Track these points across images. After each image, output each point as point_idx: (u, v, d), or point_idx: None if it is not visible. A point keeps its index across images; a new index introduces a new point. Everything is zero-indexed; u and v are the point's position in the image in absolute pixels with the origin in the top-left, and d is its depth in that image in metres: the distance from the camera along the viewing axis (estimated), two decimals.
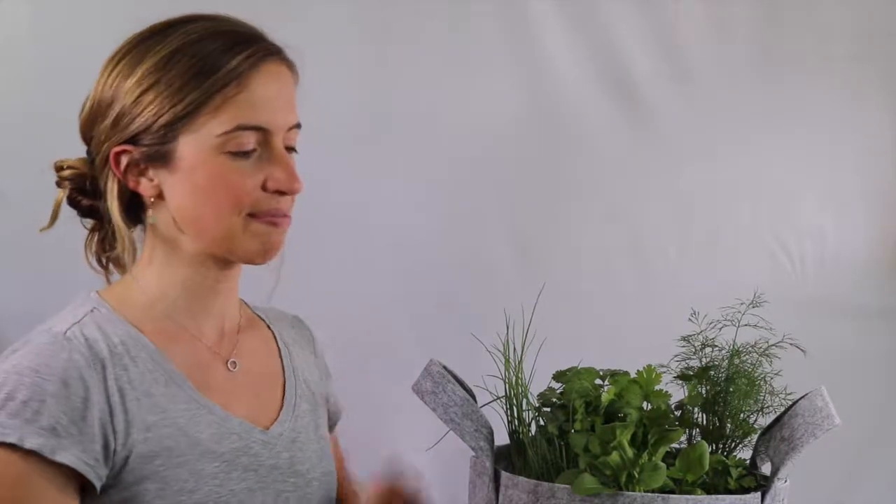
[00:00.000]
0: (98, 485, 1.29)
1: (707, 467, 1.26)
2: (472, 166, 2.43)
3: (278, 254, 1.42)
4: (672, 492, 1.29)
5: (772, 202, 2.55)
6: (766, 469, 1.43)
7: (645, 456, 1.26)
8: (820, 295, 2.49)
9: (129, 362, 1.36)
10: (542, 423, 1.39)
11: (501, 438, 1.42)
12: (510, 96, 2.44)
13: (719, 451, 1.41)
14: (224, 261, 1.43)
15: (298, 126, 1.42)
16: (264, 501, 1.43)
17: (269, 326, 1.59)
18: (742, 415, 1.39)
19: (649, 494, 1.25)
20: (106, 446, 1.30)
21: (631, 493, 1.26)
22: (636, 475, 1.24)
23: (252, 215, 1.38)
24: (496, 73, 2.43)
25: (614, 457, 1.26)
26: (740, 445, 1.42)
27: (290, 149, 1.41)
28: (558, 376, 1.44)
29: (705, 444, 1.27)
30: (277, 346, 1.58)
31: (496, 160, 2.45)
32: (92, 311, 1.39)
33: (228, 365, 1.49)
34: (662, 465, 1.25)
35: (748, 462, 1.43)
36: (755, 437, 1.41)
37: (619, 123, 2.51)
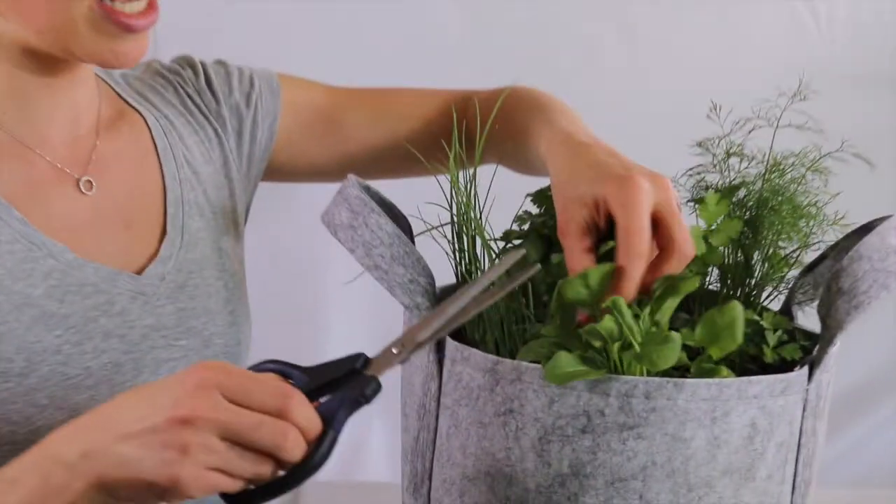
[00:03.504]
0: None
1: (741, 340, 0.88)
2: None
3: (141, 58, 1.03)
4: (686, 370, 0.91)
5: None
6: (802, 317, 1.06)
7: (646, 317, 0.88)
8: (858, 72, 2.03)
9: None
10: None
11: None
12: None
13: (740, 300, 1.03)
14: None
15: None
16: (138, 378, 1.06)
17: (140, 113, 1.16)
18: (780, 252, 1.00)
19: (655, 379, 0.88)
20: None
21: (629, 377, 0.88)
22: (636, 348, 0.86)
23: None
24: None
25: (607, 322, 0.88)
26: (771, 293, 1.04)
27: None
28: (537, 197, 1.04)
29: (739, 307, 0.88)
30: (153, 139, 1.16)
31: None
32: None
33: (81, 186, 1.08)
34: (675, 336, 0.86)
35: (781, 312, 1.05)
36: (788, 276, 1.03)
37: None
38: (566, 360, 0.87)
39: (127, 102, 1.16)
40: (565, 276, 0.93)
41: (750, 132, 1.02)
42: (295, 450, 0.81)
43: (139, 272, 1.08)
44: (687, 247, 0.91)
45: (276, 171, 1.27)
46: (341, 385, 0.84)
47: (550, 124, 1.06)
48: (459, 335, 1.01)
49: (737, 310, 0.87)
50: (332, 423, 0.83)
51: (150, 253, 1.11)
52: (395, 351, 0.86)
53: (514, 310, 1.00)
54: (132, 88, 1.18)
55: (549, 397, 0.90)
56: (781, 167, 0.99)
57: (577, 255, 0.93)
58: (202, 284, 1.13)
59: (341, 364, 0.85)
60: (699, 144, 1.03)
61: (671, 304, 0.89)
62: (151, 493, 0.81)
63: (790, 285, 1.04)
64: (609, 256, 0.92)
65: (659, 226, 0.91)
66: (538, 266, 0.90)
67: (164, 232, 1.12)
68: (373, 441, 2.02)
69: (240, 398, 0.81)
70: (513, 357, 0.94)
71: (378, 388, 0.84)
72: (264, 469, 0.82)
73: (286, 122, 1.25)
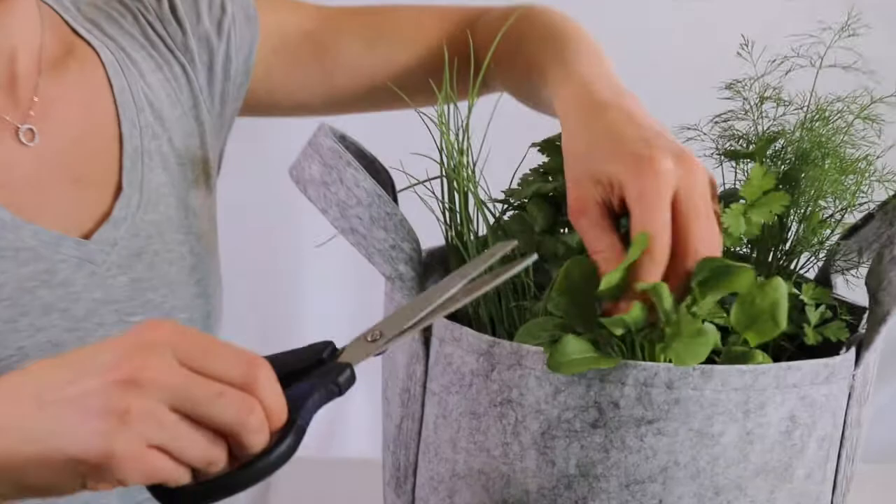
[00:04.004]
0: None
1: (785, 325, 0.75)
2: None
3: None
4: (715, 354, 0.78)
5: None
6: (842, 286, 0.92)
7: (683, 310, 0.74)
8: None
9: None
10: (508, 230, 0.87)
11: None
12: None
13: (772, 267, 0.89)
14: None
15: None
16: None
17: (93, 47, 1.01)
18: (821, 212, 0.86)
19: (679, 368, 0.74)
20: None
21: (648, 363, 0.75)
22: (667, 336, 0.73)
23: None
24: None
25: (635, 311, 0.74)
26: (809, 259, 0.90)
27: None
28: (546, 147, 0.90)
29: (783, 286, 0.75)
30: (108, 78, 1.01)
31: None
32: None
33: (20, 135, 0.94)
34: (710, 329, 0.73)
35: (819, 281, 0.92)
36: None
37: None
38: (574, 345, 0.74)
39: (77, 34, 1.00)
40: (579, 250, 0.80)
41: (788, 73, 0.88)
42: (259, 432, 0.66)
43: (87, 236, 0.94)
44: (704, 251, 0.76)
45: (253, 108, 1.11)
46: (309, 375, 0.71)
47: (566, 69, 0.91)
48: None
49: (780, 289, 0.74)
50: (299, 413, 0.69)
51: (102, 213, 0.96)
52: (369, 339, 0.72)
53: (513, 281, 0.86)
54: (84, 16, 1.02)
55: (555, 386, 0.76)
56: (826, 114, 0.85)
57: (596, 234, 0.79)
58: (163, 251, 0.98)
59: (305, 353, 0.71)
60: (728, 87, 0.89)
61: (713, 300, 0.75)
62: (70, 478, 0.65)
63: (829, 250, 0.90)
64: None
65: (674, 218, 0.76)
66: (535, 256, 0.75)
67: (119, 189, 0.97)
68: (351, 413, 1.86)
69: (197, 363, 0.66)
70: (511, 338, 0.81)
71: (352, 377, 0.71)
72: (217, 454, 0.66)
73: (265, 53, 1.09)
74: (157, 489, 0.67)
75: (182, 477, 0.66)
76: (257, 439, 0.67)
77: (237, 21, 1.06)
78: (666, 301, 0.73)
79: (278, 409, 0.68)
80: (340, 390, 0.70)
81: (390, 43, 1.11)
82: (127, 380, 0.64)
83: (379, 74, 1.10)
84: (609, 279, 0.75)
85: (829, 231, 0.87)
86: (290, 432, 0.68)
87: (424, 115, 0.87)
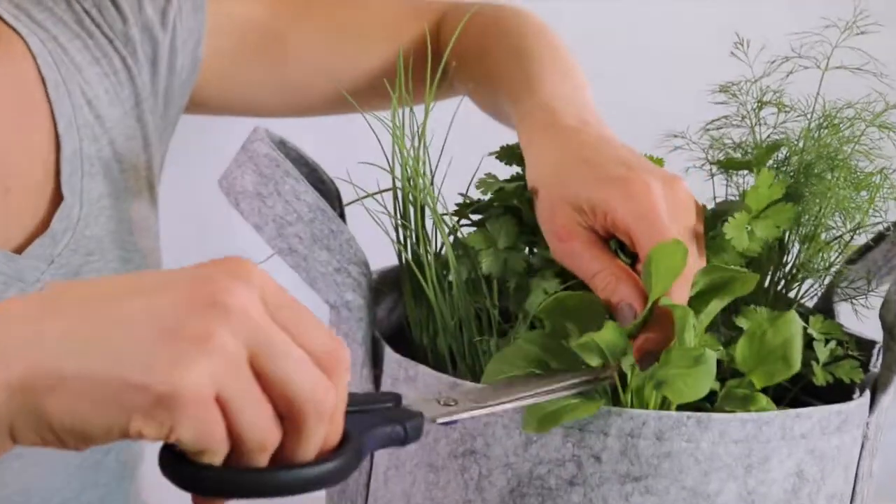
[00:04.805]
0: None
1: (798, 366, 0.64)
2: None
3: None
4: (709, 398, 0.67)
5: None
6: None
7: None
8: None
9: None
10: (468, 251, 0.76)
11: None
12: None
13: (769, 295, 0.79)
14: None
15: None
16: None
17: (21, 35, 0.87)
18: (829, 232, 0.76)
19: (672, 414, 0.64)
20: None
21: (635, 410, 0.64)
22: (660, 365, 0.63)
23: None
24: None
25: (607, 332, 0.63)
26: (811, 285, 0.80)
27: None
28: (504, 155, 0.80)
29: (797, 321, 0.64)
30: (39, 71, 0.87)
31: None
32: None
33: None
34: (709, 355, 0.62)
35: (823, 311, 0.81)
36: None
37: None
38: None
39: (2, 20, 0.87)
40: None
41: (789, 75, 0.77)
42: (326, 422, 0.52)
43: (18, 251, 0.81)
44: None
45: (200, 106, 0.98)
46: (373, 413, 0.58)
47: (530, 86, 0.81)
48: (402, 340, 0.76)
49: (794, 325, 0.64)
50: (355, 438, 0.55)
51: (35, 226, 0.83)
52: (441, 402, 0.60)
53: (476, 307, 0.75)
54: (10, 1, 0.89)
55: (526, 436, 0.66)
56: (834, 121, 0.74)
57: (593, 255, 0.69)
58: (104, 270, 0.85)
59: (369, 396, 0.58)
60: (722, 90, 0.79)
61: (714, 309, 0.65)
62: (116, 414, 0.49)
63: (832, 274, 0.80)
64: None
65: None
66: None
67: (56, 198, 0.84)
68: None
69: (284, 315, 0.52)
70: (475, 375, 0.69)
71: (421, 427, 0.57)
72: (274, 437, 0.51)
73: (213, 46, 0.95)
74: (173, 459, 0.51)
75: (220, 452, 0.51)
76: (319, 431, 0.52)
77: (183, 10, 0.93)
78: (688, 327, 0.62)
79: (340, 415, 0.54)
80: (406, 436, 0.57)
81: (356, 40, 0.99)
82: (210, 301, 0.50)
83: (343, 74, 0.98)
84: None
85: (835, 254, 0.77)
86: (346, 451, 0.54)
87: (378, 117, 0.75)
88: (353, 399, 0.56)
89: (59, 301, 0.52)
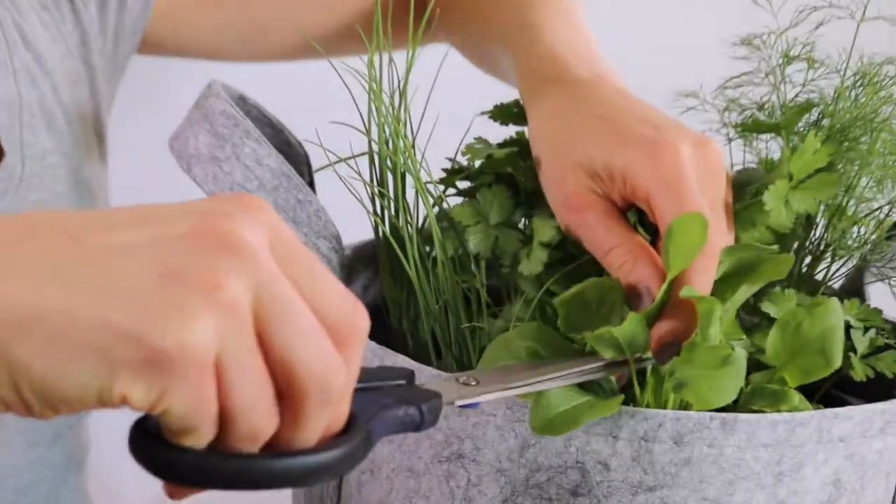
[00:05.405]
0: None
1: (839, 362, 0.56)
2: None
3: None
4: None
5: None
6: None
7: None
8: None
9: None
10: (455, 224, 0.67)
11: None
12: None
13: (792, 276, 0.70)
14: None
15: None
16: None
17: None
18: (866, 207, 0.67)
19: (692, 414, 0.55)
20: None
21: (650, 410, 0.55)
22: (681, 365, 0.54)
23: None
24: None
25: (629, 325, 0.55)
26: (842, 263, 0.71)
27: None
28: (498, 114, 0.71)
29: (837, 308, 0.56)
30: None
31: None
32: None
33: None
34: (739, 355, 0.53)
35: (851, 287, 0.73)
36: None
37: None
38: (558, 396, 0.54)
39: None
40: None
41: (819, 26, 0.68)
42: (331, 403, 0.43)
43: None
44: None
45: (154, 46, 0.87)
46: (382, 392, 0.48)
47: (531, 33, 0.72)
48: (379, 325, 0.67)
49: (835, 314, 0.55)
50: (363, 422, 0.46)
51: None
52: (461, 381, 0.52)
53: (464, 287, 0.66)
54: None
55: (522, 438, 0.57)
56: (873, 79, 0.66)
57: (608, 227, 0.61)
58: None
59: (379, 371, 0.49)
60: (744, 42, 0.70)
61: (742, 297, 0.56)
62: (95, 368, 0.40)
63: (864, 252, 0.72)
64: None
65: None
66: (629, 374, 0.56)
67: None
68: None
69: (298, 271, 0.43)
70: (462, 364, 0.60)
71: (439, 410, 0.48)
72: (268, 426, 0.42)
73: None
74: (146, 440, 0.42)
75: (208, 433, 0.42)
76: (322, 415, 0.43)
77: None
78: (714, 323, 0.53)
79: (348, 396, 0.45)
80: (422, 420, 0.48)
81: None
82: (222, 241, 0.41)
83: (311, 17, 0.88)
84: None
85: (869, 230, 0.68)
86: (352, 436, 0.45)
87: (352, 70, 0.66)
88: (360, 373, 0.46)
89: (40, 225, 0.42)
